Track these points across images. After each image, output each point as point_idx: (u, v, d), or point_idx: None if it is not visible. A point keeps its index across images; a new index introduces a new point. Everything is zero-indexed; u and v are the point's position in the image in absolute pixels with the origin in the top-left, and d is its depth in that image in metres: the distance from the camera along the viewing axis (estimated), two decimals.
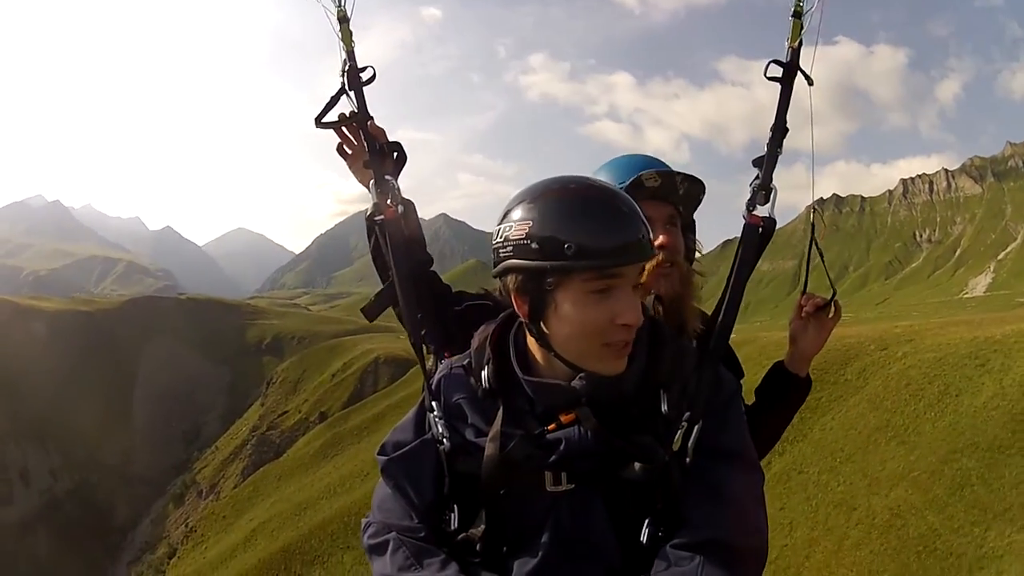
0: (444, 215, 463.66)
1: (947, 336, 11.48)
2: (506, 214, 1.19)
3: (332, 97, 1.63)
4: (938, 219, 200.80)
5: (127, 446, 79.26)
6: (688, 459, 1.21)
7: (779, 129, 1.51)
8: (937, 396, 9.34)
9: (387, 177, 1.60)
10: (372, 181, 1.59)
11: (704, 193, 1.74)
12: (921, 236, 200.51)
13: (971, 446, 7.82)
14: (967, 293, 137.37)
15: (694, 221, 1.78)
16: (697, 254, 1.78)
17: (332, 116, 1.66)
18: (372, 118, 1.62)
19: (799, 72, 1.51)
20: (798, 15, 1.51)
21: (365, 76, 1.63)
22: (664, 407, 1.21)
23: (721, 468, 1.22)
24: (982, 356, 9.80)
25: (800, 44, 1.51)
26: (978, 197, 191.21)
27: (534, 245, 1.13)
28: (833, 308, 1.66)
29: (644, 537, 1.18)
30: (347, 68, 1.61)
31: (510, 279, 1.19)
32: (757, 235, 1.49)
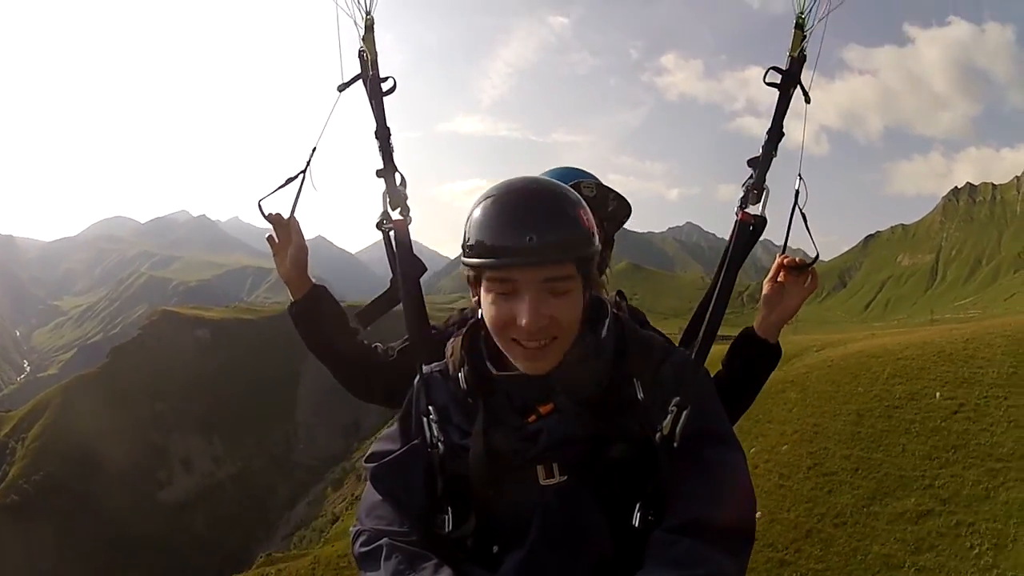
0: None
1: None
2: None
3: (288, 179, 1.76)
4: None
5: (289, 437, 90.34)
6: (675, 444, 1.26)
7: (775, 133, 1.58)
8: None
9: (399, 188, 1.70)
10: (383, 191, 1.69)
11: (629, 216, 1.93)
12: None
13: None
14: None
15: (613, 240, 1.95)
16: (607, 269, 1.92)
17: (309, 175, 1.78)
18: (390, 131, 1.70)
19: (798, 86, 1.59)
20: (800, 26, 1.57)
21: (386, 87, 1.70)
22: (640, 394, 1.27)
23: (705, 450, 1.27)
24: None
25: (803, 56, 1.59)
26: None
27: (465, 241, 1.23)
28: (810, 275, 1.65)
29: (636, 520, 1.23)
30: (370, 76, 1.69)
31: (463, 274, 1.29)
32: (748, 232, 1.57)
